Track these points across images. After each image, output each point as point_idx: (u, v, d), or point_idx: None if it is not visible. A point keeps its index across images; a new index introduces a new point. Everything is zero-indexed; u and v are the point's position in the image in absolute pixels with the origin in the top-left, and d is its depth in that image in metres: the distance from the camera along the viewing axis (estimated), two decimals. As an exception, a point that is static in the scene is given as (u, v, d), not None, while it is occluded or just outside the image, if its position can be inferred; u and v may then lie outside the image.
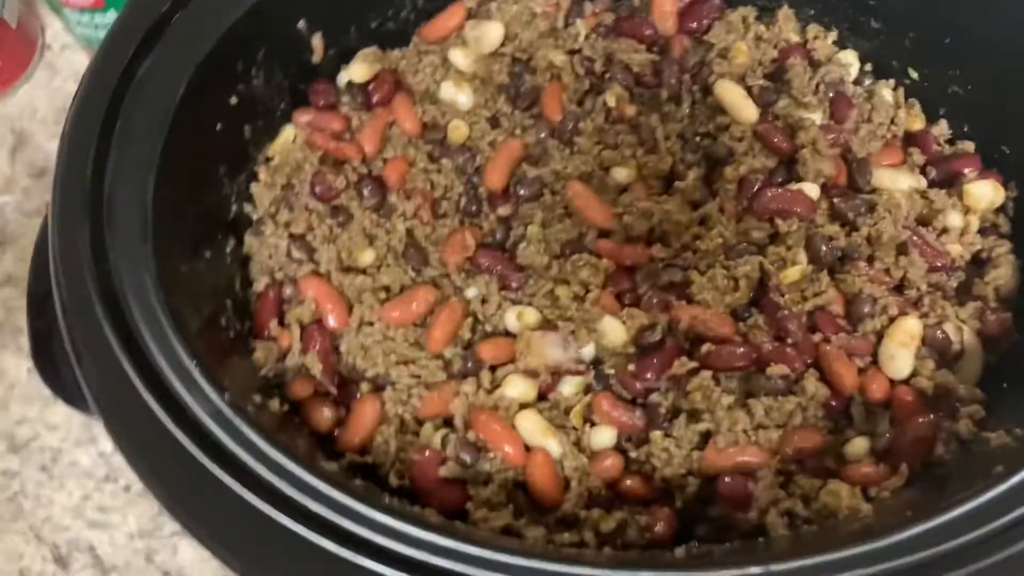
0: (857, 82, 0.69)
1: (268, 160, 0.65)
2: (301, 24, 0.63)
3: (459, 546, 0.43)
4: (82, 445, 0.72)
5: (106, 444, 0.71)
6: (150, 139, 0.52)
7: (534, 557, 0.43)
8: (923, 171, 0.65)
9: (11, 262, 0.80)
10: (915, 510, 0.45)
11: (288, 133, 0.66)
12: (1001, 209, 0.63)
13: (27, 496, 0.70)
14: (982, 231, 0.63)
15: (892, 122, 0.67)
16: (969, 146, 0.66)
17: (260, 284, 0.62)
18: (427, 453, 0.55)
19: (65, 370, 0.61)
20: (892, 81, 0.69)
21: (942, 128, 0.67)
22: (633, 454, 0.56)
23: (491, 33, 0.67)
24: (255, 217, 0.63)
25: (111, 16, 0.79)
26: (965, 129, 0.66)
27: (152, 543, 0.68)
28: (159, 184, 0.51)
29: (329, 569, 0.42)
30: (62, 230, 0.49)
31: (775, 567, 0.42)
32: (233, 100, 0.60)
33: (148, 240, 0.49)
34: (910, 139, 0.67)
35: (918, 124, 0.68)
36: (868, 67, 0.69)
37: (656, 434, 0.56)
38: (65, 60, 0.89)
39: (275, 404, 0.54)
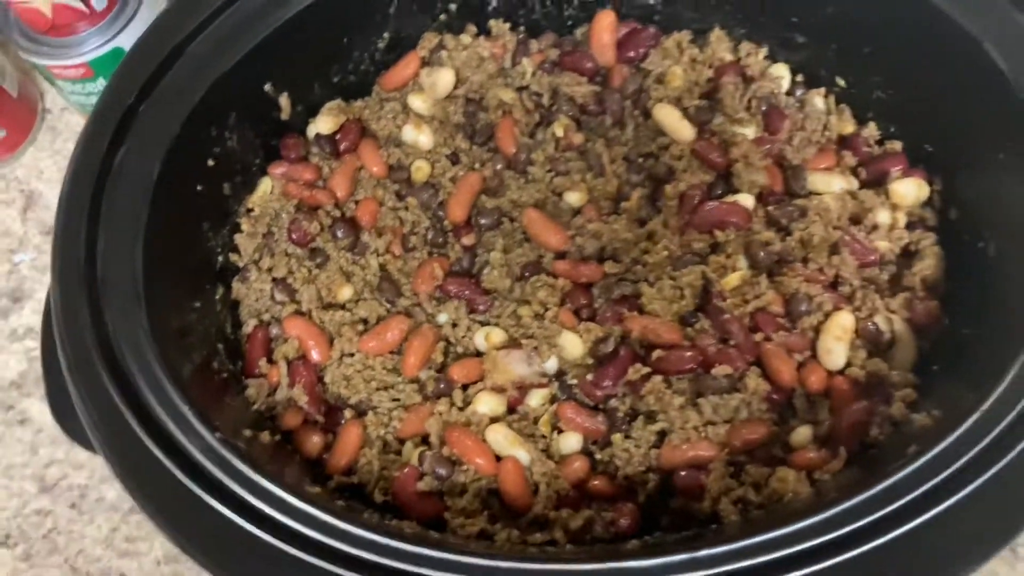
0: (790, 93, 0.72)
1: (249, 211, 0.69)
2: (267, 87, 0.68)
3: (431, 553, 0.47)
4: (107, 481, 0.75)
5: None
6: (134, 215, 0.57)
7: (501, 558, 0.47)
8: (855, 172, 0.69)
9: (30, 315, 0.84)
10: (851, 489, 0.49)
11: (265, 185, 0.70)
12: (928, 203, 0.67)
13: (60, 532, 0.74)
14: (909, 226, 0.66)
15: (825, 128, 0.70)
16: (897, 146, 0.69)
17: (249, 326, 0.66)
18: (406, 470, 0.59)
19: (78, 419, 0.66)
20: (823, 89, 0.72)
21: (871, 130, 0.70)
22: (598, 456, 0.61)
23: (444, 78, 0.72)
24: (240, 265, 0.68)
25: (101, 84, 0.83)
26: (892, 130, 0.70)
27: (178, 568, 0.72)
28: (147, 252, 0.56)
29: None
30: (63, 302, 0.54)
31: (722, 548, 0.46)
32: (210, 162, 0.64)
33: (140, 303, 0.54)
34: (842, 142, 0.70)
35: (849, 128, 0.71)
36: (799, 78, 0.73)
37: (617, 436, 0.60)
38: (65, 122, 0.94)
39: (266, 436, 0.58)
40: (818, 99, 0.72)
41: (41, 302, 0.85)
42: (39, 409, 0.80)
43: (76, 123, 0.94)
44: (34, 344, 0.83)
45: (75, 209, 0.55)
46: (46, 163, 0.92)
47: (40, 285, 0.86)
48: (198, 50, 0.60)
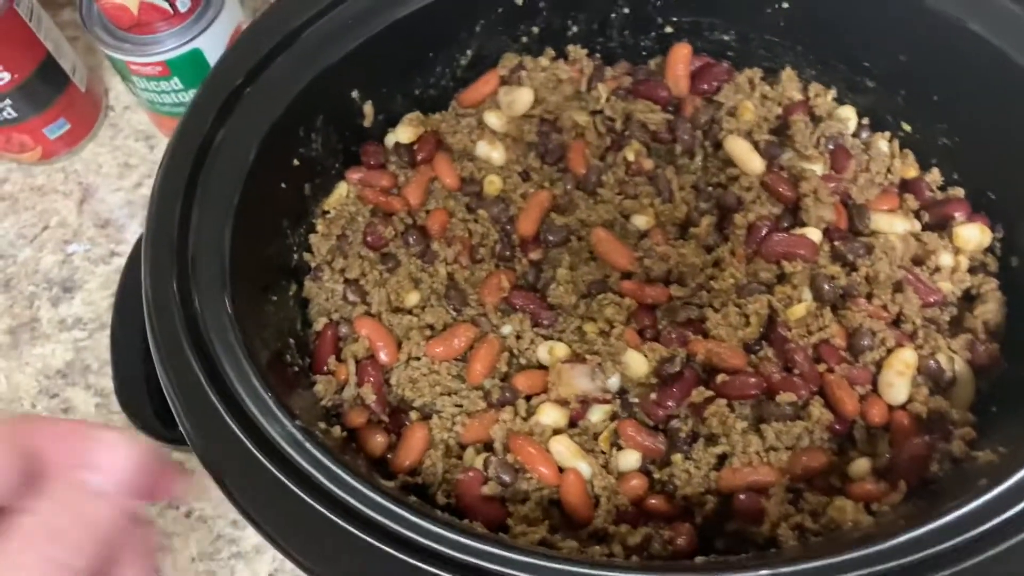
0: (856, 135, 0.74)
1: (325, 213, 0.71)
2: (354, 93, 0.70)
3: (504, 552, 0.48)
4: (146, 475, 0.77)
5: None
6: (226, 199, 0.58)
7: (570, 563, 0.48)
8: (917, 215, 0.70)
9: (79, 305, 0.85)
10: (915, 519, 0.49)
11: (342, 189, 0.72)
12: (989, 249, 0.68)
13: None
14: (972, 270, 0.68)
15: (888, 171, 0.72)
16: (959, 192, 0.70)
17: (319, 324, 0.67)
18: (471, 473, 0.60)
19: (143, 403, 0.67)
20: (888, 133, 0.74)
21: (934, 176, 0.72)
22: (656, 475, 0.61)
23: (522, 98, 0.73)
24: (313, 264, 0.69)
25: (175, 83, 0.85)
26: (955, 176, 0.71)
27: (212, 565, 0.72)
28: (234, 237, 0.57)
29: (389, 570, 0.47)
30: (154, 279, 0.55)
31: (783, 569, 0.47)
32: (296, 162, 0.66)
33: (226, 286, 0.55)
34: (905, 186, 0.72)
35: (912, 172, 0.72)
36: (865, 121, 0.75)
37: (677, 456, 0.61)
38: (126, 120, 0.96)
39: (337, 430, 0.60)
40: (883, 142, 0.73)
41: (91, 293, 0.86)
42: (83, 399, 0.81)
43: (137, 121, 0.96)
44: (82, 334, 0.84)
45: (173, 182, 0.57)
46: (105, 158, 0.94)
47: (91, 276, 0.87)
48: (304, 44, 0.62)
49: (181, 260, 0.56)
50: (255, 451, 0.50)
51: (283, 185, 0.65)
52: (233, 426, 0.51)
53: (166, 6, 0.81)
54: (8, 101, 0.84)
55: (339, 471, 0.50)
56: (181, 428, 0.52)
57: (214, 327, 0.54)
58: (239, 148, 0.60)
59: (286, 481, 0.50)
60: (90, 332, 0.84)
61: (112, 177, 0.93)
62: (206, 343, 0.54)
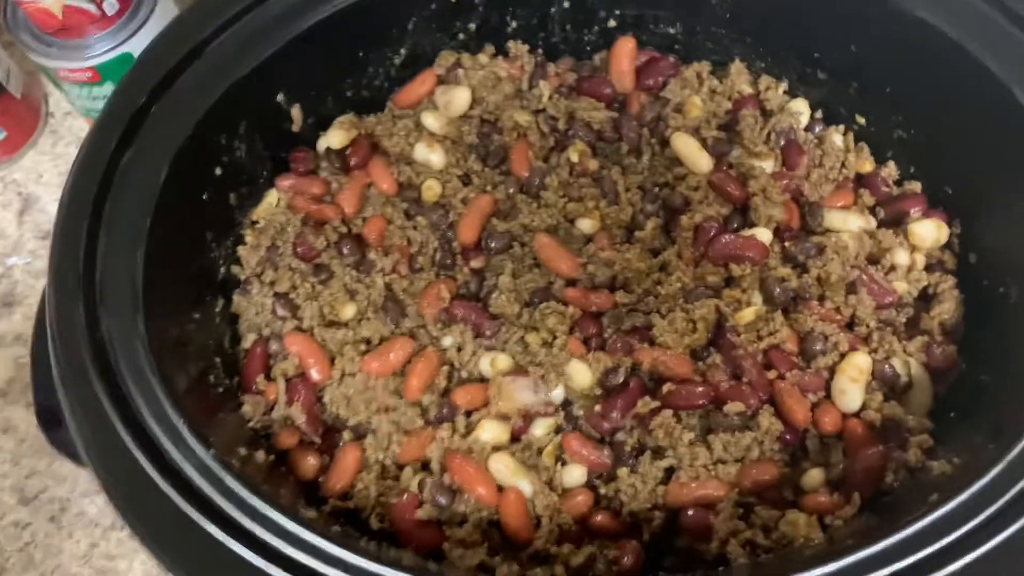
0: (808, 128, 0.72)
1: (254, 223, 0.68)
2: (280, 97, 0.67)
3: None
4: (88, 496, 0.74)
5: None
6: (138, 219, 0.55)
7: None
8: (873, 212, 0.68)
9: (20, 321, 0.82)
10: (864, 537, 0.47)
11: (272, 197, 0.69)
12: (947, 246, 0.66)
13: (37, 546, 0.72)
14: (928, 268, 0.66)
15: (843, 165, 0.70)
16: (916, 186, 0.69)
17: (248, 341, 0.65)
18: (405, 497, 0.58)
19: (63, 428, 0.64)
20: (842, 127, 0.72)
21: (890, 170, 0.70)
22: (602, 490, 0.59)
23: (460, 97, 0.71)
24: (242, 277, 0.66)
25: (108, 88, 0.82)
26: (912, 171, 0.69)
27: (156, 587, 0.70)
28: (148, 258, 0.55)
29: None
30: (58, 305, 0.52)
31: None
32: (218, 171, 0.63)
33: (139, 310, 0.53)
34: (860, 181, 0.70)
35: (867, 167, 0.70)
36: (818, 114, 0.73)
37: (623, 471, 0.59)
38: (67, 127, 0.93)
39: (261, 455, 0.57)
40: (837, 136, 0.71)
41: (32, 308, 0.83)
42: (23, 418, 0.78)
43: (79, 128, 0.93)
44: (22, 351, 0.81)
45: (77, 208, 0.54)
46: (46, 167, 0.91)
47: (32, 291, 0.84)
48: (214, 55, 0.59)
49: (88, 286, 0.53)
50: (164, 485, 0.48)
51: (205, 196, 0.62)
52: (140, 458, 0.48)
53: (92, 8, 0.78)
54: (-63, 109, 0.81)
55: (255, 503, 0.47)
56: (83, 458, 0.49)
57: (124, 354, 0.51)
58: (148, 167, 0.57)
59: (198, 518, 0.47)
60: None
61: (54, 186, 0.90)
62: (114, 371, 0.51)
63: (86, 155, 0.56)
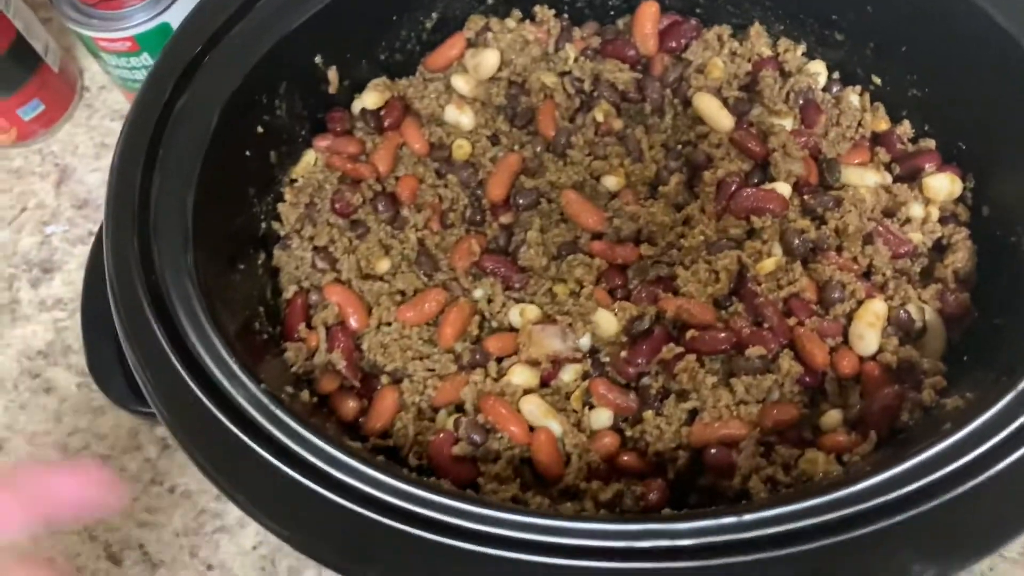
0: (826, 89, 0.74)
1: (292, 182, 0.71)
2: (317, 59, 0.69)
3: (470, 507, 0.48)
4: (129, 452, 0.76)
5: (152, 450, 0.76)
6: (188, 165, 0.58)
7: (537, 515, 0.48)
8: (888, 168, 0.70)
9: (59, 286, 0.85)
10: (882, 465, 0.49)
11: (309, 157, 0.71)
12: (960, 199, 0.68)
13: None
14: (943, 220, 0.67)
15: (859, 124, 0.72)
16: (930, 143, 0.70)
17: (289, 292, 0.67)
18: (441, 435, 0.60)
19: (115, 376, 0.67)
20: (858, 87, 0.73)
21: (905, 128, 0.71)
22: (628, 432, 0.61)
23: (488, 60, 0.73)
24: (282, 233, 0.69)
25: (145, 59, 0.85)
26: (926, 128, 0.71)
27: (195, 540, 0.72)
28: (197, 204, 0.57)
29: (356, 528, 0.47)
30: (115, 246, 0.55)
31: (747, 516, 0.47)
32: (259, 129, 0.66)
33: (189, 252, 0.55)
34: (876, 139, 0.72)
35: (883, 125, 0.72)
36: (836, 75, 0.74)
37: (648, 413, 0.61)
38: (102, 100, 0.95)
39: (306, 395, 0.60)
40: (853, 96, 0.73)
41: (71, 273, 0.86)
42: (64, 378, 0.81)
43: (113, 101, 0.96)
44: (62, 315, 0.84)
45: (133, 149, 0.56)
46: (81, 139, 0.94)
47: (70, 257, 0.87)
48: (263, 10, 0.62)
49: (143, 228, 0.56)
50: (220, 416, 0.50)
51: (248, 153, 0.65)
52: (198, 392, 0.51)
53: (132, -21, 0.81)
54: (-20, 82, 0.84)
55: (304, 432, 0.50)
56: (147, 398, 0.52)
57: (177, 295, 0.54)
58: (200, 115, 0.59)
59: (252, 445, 0.50)
60: (70, 312, 0.84)
61: (89, 158, 0.92)
62: (169, 311, 0.54)
63: (142, 101, 0.59)
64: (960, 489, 0.47)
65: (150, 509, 0.74)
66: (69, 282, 0.86)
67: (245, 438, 0.50)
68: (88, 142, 0.93)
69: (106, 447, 0.77)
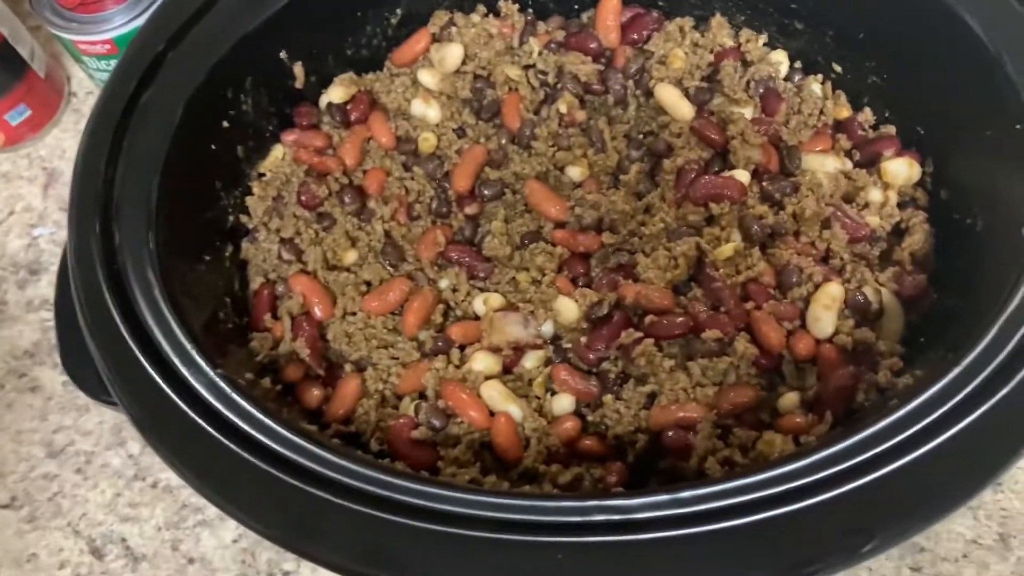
0: (788, 78, 0.74)
1: (260, 176, 0.72)
2: (283, 54, 0.70)
3: (424, 487, 0.48)
4: (112, 448, 0.77)
5: (134, 447, 0.77)
6: (152, 157, 0.59)
7: (490, 494, 0.48)
8: (849, 155, 0.70)
9: (45, 287, 0.86)
10: (831, 439, 0.49)
11: (277, 151, 0.72)
12: (920, 184, 0.68)
13: (65, 496, 0.75)
14: (901, 204, 0.68)
15: (821, 112, 0.72)
16: (891, 130, 0.71)
17: (256, 283, 0.68)
18: (402, 420, 0.61)
19: (87, 368, 0.68)
20: (820, 76, 0.74)
21: (866, 115, 0.72)
22: (590, 417, 0.62)
23: (453, 53, 0.74)
24: (250, 226, 0.70)
25: (126, 62, 0.87)
26: (887, 115, 0.71)
27: (177, 534, 0.73)
28: (161, 195, 0.58)
29: (307, 507, 0.48)
30: (77, 235, 0.56)
31: (704, 489, 0.47)
32: (225, 124, 0.67)
33: (151, 240, 0.56)
34: (838, 126, 0.72)
35: (844, 113, 0.72)
36: (797, 64, 0.75)
37: (608, 397, 0.62)
38: (89, 105, 0.96)
39: (267, 382, 0.60)
40: (815, 85, 0.74)
41: (56, 275, 0.87)
42: (50, 377, 0.82)
43: (100, 106, 0.97)
44: (48, 315, 0.85)
45: (98, 141, 0.57)
46: (69, 143, 0.95)
47: (57, 258, 0.88)
48: (226, 7, 0.63)
49: (105, 218, 0.57)
50: (178, 401, 0.51)
51: (214, 147, 0.66)
52: (155, 377, 0.52)
53: (109, -16, 0.82)
54: (-33, 87, 0.85)
55: (256, 413, 0.51)
56: (108, 386, 0.53)
57: (137, 282, 0.55)
58: (165, 109, 0.60)
59: (208, 428, 0.50)
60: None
61: (76, 162, 0.94)
62: (129, 298, 0.54)
63: (107, 94, 0.60)
64: (902, 461, 0.47)
65: (132, 504, 0.75)
66: (56, 283, 0.87)
67: (200, 421, 0.51)
68: (75, 146, 0.91)
69: (90, 443, 0.78)
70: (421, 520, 0.48)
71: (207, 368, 0.52)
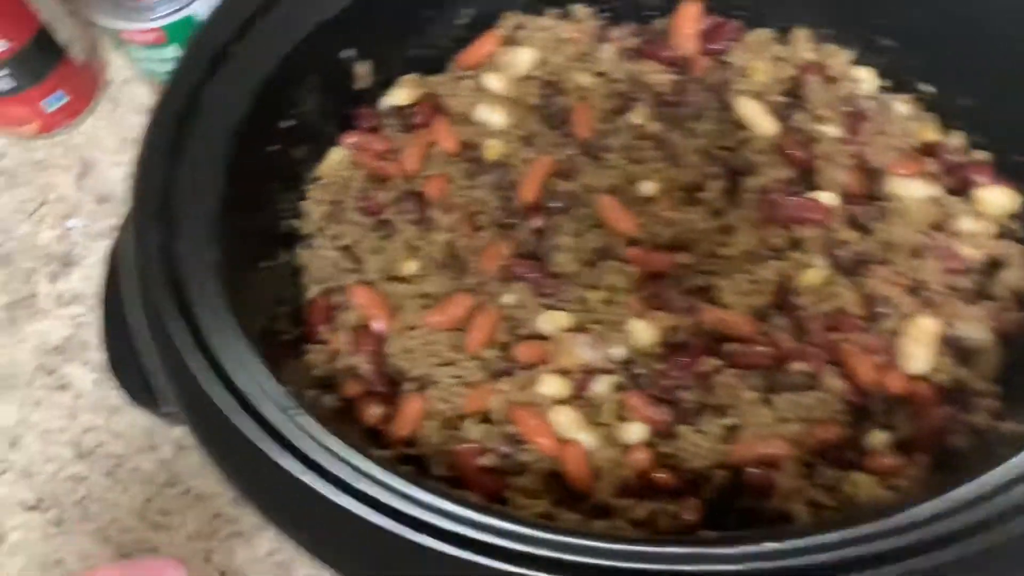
0: (874, 97, 0.71)
1: (317, 179, 0.69)
2: (347, 54, 0.68)
3: (499, 523, 0.45)
4: (144, 452, 0.75)
5: (167, 451, 0.74)
6: (215, 159, 0.56)
7: (569, 535, 0.46)
8: (938, 180, 0.67)
9: (78, 281, 0.84)
10: (932, 491, 0.46)
11: (336, 154, 0.69)
12: (1017, 216, 0.65)
13: (94, 500, 0.73)
14: (997, 236, 0.65)
15: (907, 134, 0.69)
16: (983, 156, 0.68)
17: (312, 292, 0.65)
18: (468, 445, 0.58)
19: (135, 376, 0.65)
20: (907, 95, 0.71)
21: (957, 139, 0.69)
22: (663, 448, 0.59)
23: (523, 58, 0.71)
24: (306, 232, 0.67)
25: (171, 50, 0.83)
26: (979, 140, 0.68)
27: (210, 544, 0.71)
28: (223, 200, 0.55)
29: (378, 541, 0.45)
30: (138, 240, 0.53)
31: (791, 543, 0.44)
32: (286, 124, 0.64)
33: (214, 248, 0.54)
34: (926, 150, 0.69)
35: (933, 135, 0.69)
36: (884, 82, 0.71)
37: (684, 428, 0.59)
38: (126, 93, 0.94)
39: (329, 399, 0.58)
40: (902, 105, 0.70)
41: (90, 268, 0.85)
42: (80, 374, 0.80)
43: (139, 95, 0.95)
44: (80, 310, 0.83)
45: (159, 140, 0.55)
46: (105, 132, 0.93)
47: (90, 252, 0.86)
48: (294, 2, 0.60)
49: (167, 222, 0.54)
50: (240, 420, 0.48)
51: (273, 148, 0.63)
52: (218, 394, 0.49)
53: (159, -29, 0.80)
54: (6, 71, 0.82)
55: (326, 440, 0.48)
56: (168, 398, 0.50)
57: (200, 292, 0.52)
58: (228, 106, 0.58)
59: (273, 450, 0.48)
60: (88, 308, 0.83)
61: (112, 151, 0.91)
62: (191, 307, 0.52)
63: (168, 90, 0.57)
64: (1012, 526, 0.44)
65: (164, 511, 0.73)
66: (88, 277, 0.85)
67: (266, 443, 0.48)
68: (111, 136, 0.93)
69: (121, 446, 0.76)
70: (496, 559, 0.45)
71: (275, 388, 0.49)
